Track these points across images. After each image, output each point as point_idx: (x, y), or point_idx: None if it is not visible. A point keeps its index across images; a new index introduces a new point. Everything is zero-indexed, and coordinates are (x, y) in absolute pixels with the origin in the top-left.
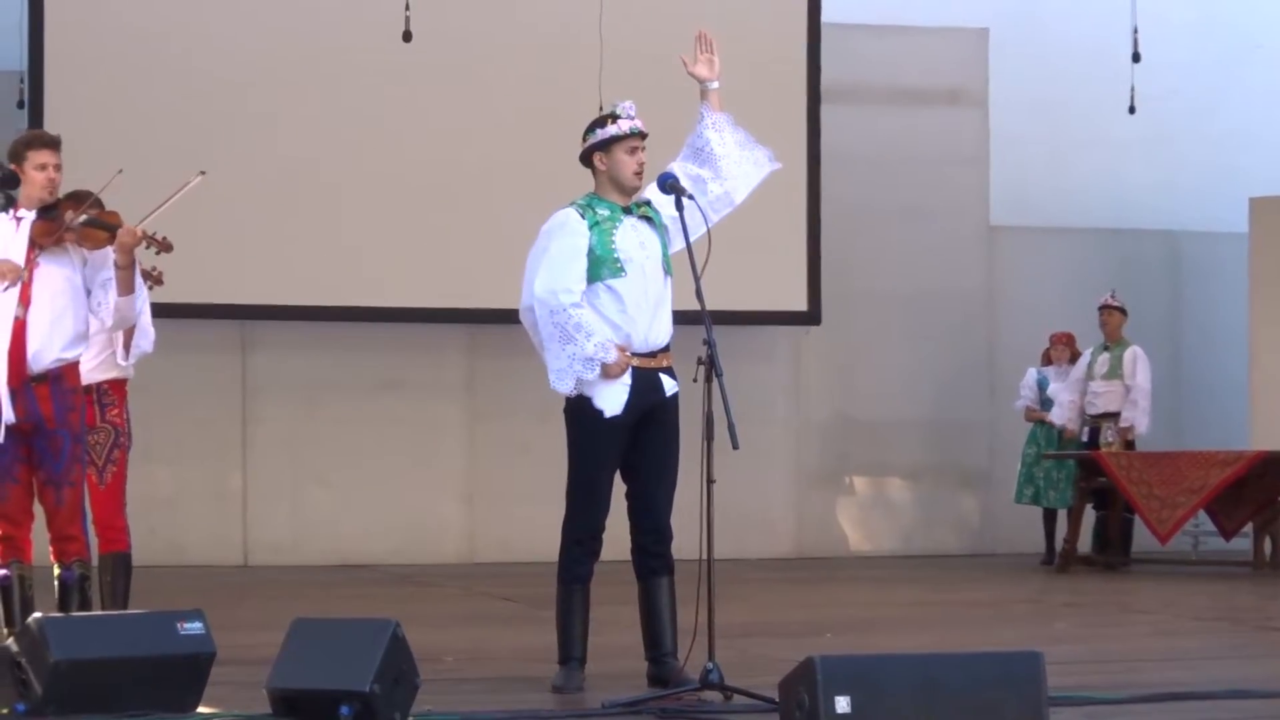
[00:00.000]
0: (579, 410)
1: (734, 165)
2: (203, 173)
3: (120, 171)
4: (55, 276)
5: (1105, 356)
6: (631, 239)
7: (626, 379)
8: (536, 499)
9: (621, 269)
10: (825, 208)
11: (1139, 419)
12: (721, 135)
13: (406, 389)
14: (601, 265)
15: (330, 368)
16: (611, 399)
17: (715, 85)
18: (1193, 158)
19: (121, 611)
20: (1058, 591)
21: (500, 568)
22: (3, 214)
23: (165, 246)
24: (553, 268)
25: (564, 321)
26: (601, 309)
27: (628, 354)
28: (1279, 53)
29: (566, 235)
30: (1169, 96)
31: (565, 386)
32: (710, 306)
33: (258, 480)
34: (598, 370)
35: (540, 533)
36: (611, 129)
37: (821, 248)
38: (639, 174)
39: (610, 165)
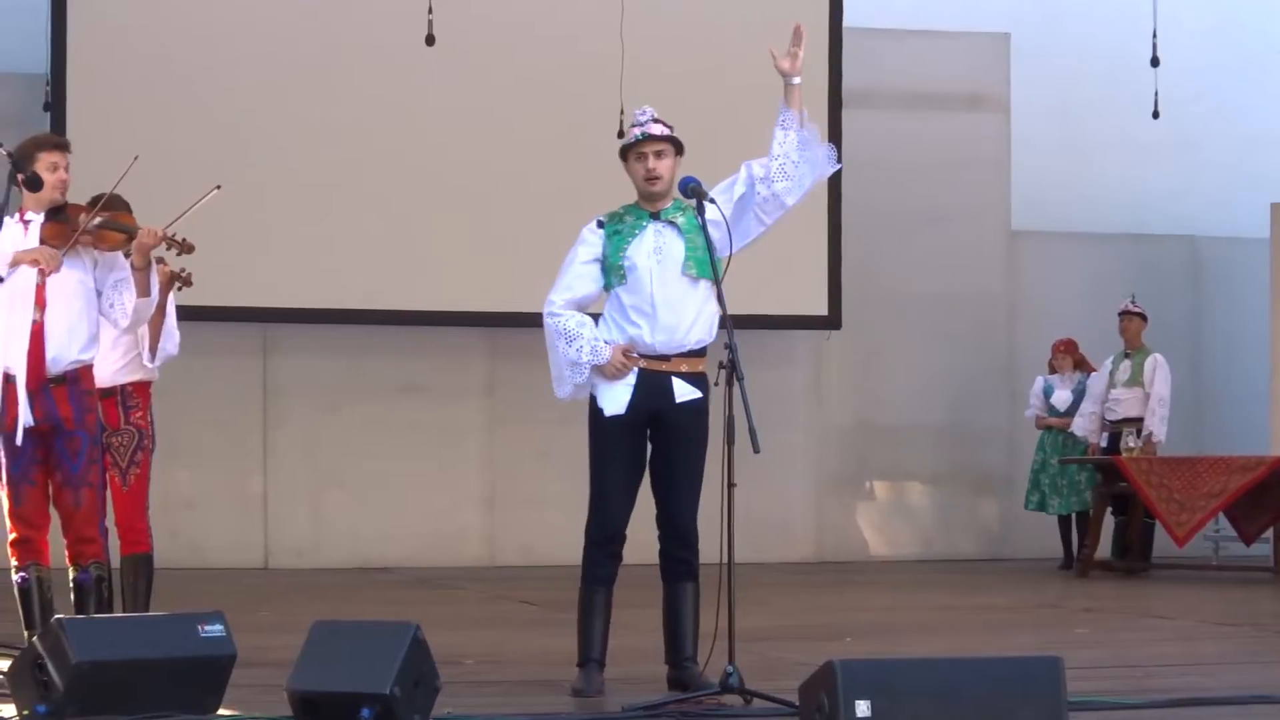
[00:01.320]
0: (591, 410)
1: (789, 167)
2: (218, 187)
3: (136, 158)
4: (69, 279)
5: (1126, 364)
6: (647, 246)
7: (631, 379)
8: (557, 503)
9: (624, 276)
10: (846, 212)
11: (1157, 427)
12: (786, 134)
13: (427, 392)
14: (610, 273)
15: (351, 371)
16: (613, 399)
17: (797, 81)
18: (1214, 162)
19: (142, 613)
20: (1077, 596)
21: (520, 571)
22: (9, 218)
23: (186, 248)
24: (557, 280)
25: (551, 329)
26: (613, 314)
27: (633, 355)
28: None
29: (576, 246)
30: (1190, 101)
31: (560, 392)
32: (731, 311)
33: (278, 483)
34: (586, 373)
35: (560, 537)
36: (625, 139)
37: (842, 252)
38: (650, 180)
39: (630, 174)
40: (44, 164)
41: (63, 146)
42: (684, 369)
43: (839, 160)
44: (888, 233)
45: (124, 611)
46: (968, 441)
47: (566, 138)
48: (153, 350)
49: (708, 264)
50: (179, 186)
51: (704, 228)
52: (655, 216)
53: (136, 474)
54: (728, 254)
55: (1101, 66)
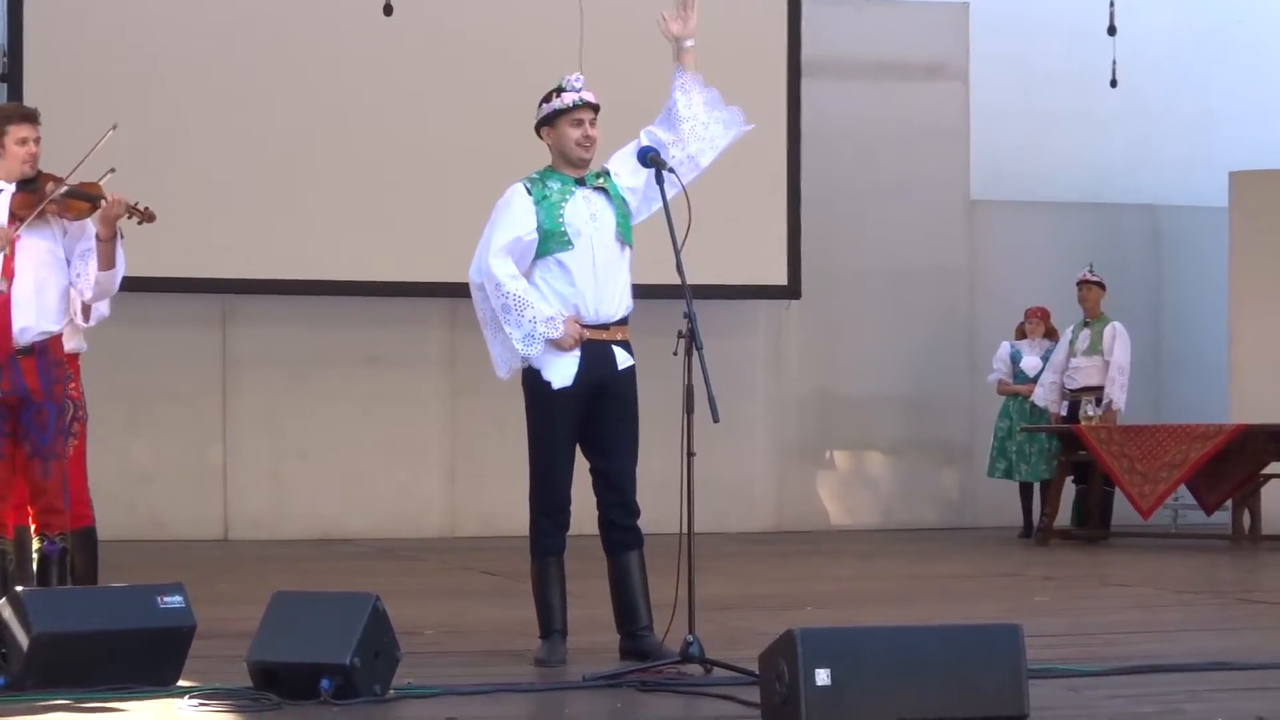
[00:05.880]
0: (532, 383)
1: (700, 128)
2: (114, 126)
3: (115, 127)
4: (38, 249)
5: (1086, 332)
6: (582, 211)
7: (577, 350)
8: (518, 473)
9: (569, 242)
10: (805, 182)
11: (1117, 395)
12: (689, 97)
13: (388, 363)
14: (549, 239)
15: (311, 342)
16: (560, 371)
17: (690, 43)
18: (1173, 132)
19: (102, 585)
20: (1037, 565)
21: (481, 542)
22: None
23: (148, 216)
24: (487, 241)
25: (499, 298)
26: (551, 282)
27: (578, 324)
28: (1260, 28)
29: (508, 205)
30: (1150, 71)
31: (503, 371)
32: (691, 280)
33: (238, 455)
34: (540, 349)
35: (521, 507)
36: (555, 103)
37: (802, 222)
38: (584, 146)
39: (556, 139)
40: (13, 137)
41: (32, 118)
42: (620, 337)
43: (745, 119)
44: (847, 202)
45: (71, 585)
46: (928, 411)
47: (526, 107)
48: (86, 314)
49: (630, 230)
50: (137, 156)
51: (663, 195)
52: (580, 183)
53: (74, 445)
54: (636, 221)
55: (1061, 36)
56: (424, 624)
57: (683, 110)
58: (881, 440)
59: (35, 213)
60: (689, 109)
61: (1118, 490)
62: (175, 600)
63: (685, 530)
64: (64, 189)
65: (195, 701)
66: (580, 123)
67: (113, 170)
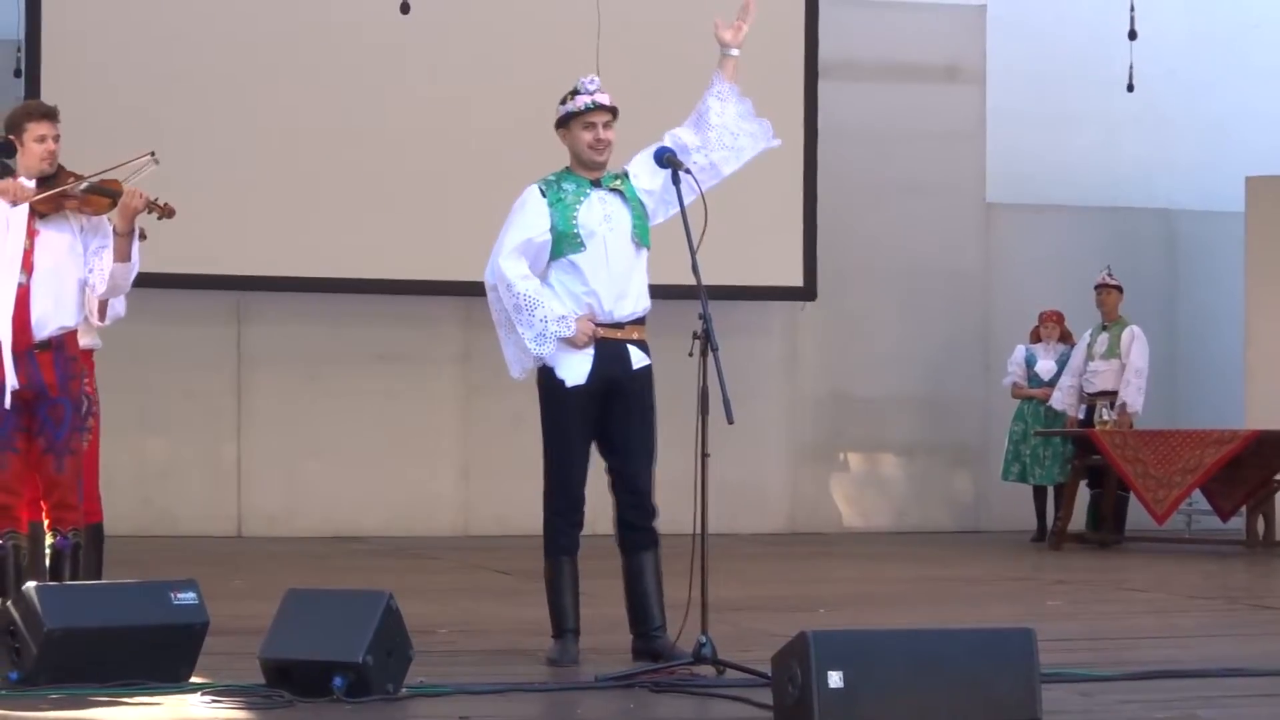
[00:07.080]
0: (545, 381)
1: (727, 137)
2: (153, 154)
3: (154, 157)
4: (56, 244)
5: (1104, 336)
6: (596, 213)
7: (590, 348)
8: (532, 472)
9: (581, 244)
10: (821, 183)
11: (1133, 398)
12: (724, 105)
13: (402, 361)
14: (563, 241)
15: (326, 339)
16: (573, 369)
17: (735, 53)
18: (1190, 136)
19: (115, 580)
20: (1051, 569)
21: (495, 540)
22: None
23: (167, 212)
24: (501, 242)
25: (511, 298)
26: (566, 283)
27: (591, 323)
28: (1277, 32)
29: (522, 206)
30: (1166, 75)
31: (517, 371)
32: (706, 281)
33: (252, 451)
34: (553, 348)
35: (535, 506)
36: (569, 105)
37: (818, 223)
38: (596, 149)
39: (570, 141)
40: (32, 134)
41: (51, 116)
42: (635, 336)
43: (775, 134)
44: (863, 204)
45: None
46: (942, 413)
47: (542, 106)
48: (102, 313)
49: (647, 232)
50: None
51: (679, 197)
52: (596, 184)
53: (88, 441)
54: (655, 223)
55: (1078, 39)
56: (437, 622)
57: (714, 117)
58: (895, 442)
59: (54, 207)
60: (720, 116)
61: (1132, 495)
62: (188, 596)
63: (698, 531)
64: (85, 184)
65: (208, 698)
66: (593, 125)
67: (153, 154)
